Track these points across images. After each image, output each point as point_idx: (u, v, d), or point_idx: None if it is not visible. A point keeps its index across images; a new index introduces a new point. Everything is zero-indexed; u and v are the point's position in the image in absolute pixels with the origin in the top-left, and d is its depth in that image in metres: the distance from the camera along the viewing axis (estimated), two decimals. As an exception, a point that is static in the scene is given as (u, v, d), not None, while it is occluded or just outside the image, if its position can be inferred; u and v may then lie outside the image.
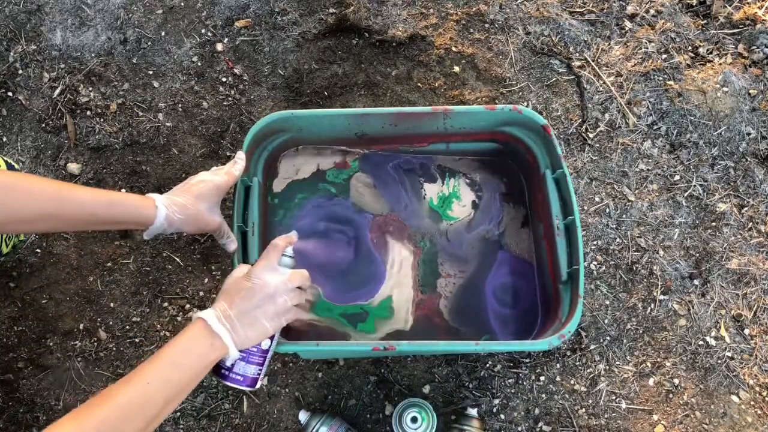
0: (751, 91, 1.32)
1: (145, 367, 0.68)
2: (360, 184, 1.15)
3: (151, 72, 1.31)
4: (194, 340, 0.72)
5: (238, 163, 0.93)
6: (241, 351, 0.77)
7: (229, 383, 0.78)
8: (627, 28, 1.38)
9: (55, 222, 0.75)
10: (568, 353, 1.15)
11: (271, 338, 0.81)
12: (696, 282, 1.20)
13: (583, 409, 1.12)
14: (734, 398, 1.13)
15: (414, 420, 1.03)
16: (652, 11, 1.39)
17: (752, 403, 1.13)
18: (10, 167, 0.95)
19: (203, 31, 1.34)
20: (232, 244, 0.93)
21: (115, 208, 0.78)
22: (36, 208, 0.72)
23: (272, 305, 0.78)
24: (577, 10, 1.39)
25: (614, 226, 1.23)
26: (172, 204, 0.82)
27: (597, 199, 1.25)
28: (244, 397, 1.12)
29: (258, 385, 0.80)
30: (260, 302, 0.77)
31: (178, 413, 1.10)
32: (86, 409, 0.63)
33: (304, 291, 0.84)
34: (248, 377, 0.79)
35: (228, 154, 1.26)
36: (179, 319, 1.15)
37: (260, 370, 0.80)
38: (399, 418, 1.04)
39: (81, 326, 1.14)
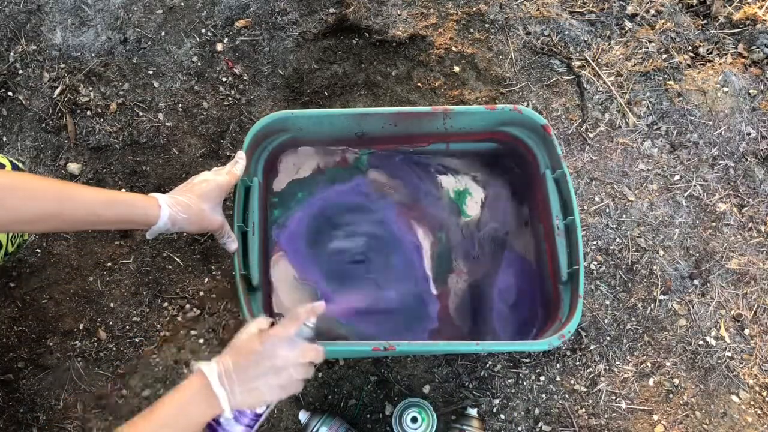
0: (751, 91, 1.32)
1: (138, 423, 0.66)
2: (377, 176, 1.15)
3: (151, 72, 1.30)
4: (192, 400, 0.70)
5: (239, 163, 0.93)
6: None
7: None
8: (627, 28, 1.38)
9: (58, 222, 0.75)
10: (568, 353, 1.15)
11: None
12: (696, 282, 1.20)
13: (583, 409, 1.12)
14: (734, 398, 1.13)
15: (414, 420, 1.03)
16: (652, 11, 1.39)
17: (752, 403, 1.13)
18: (15, 167, 0.95)
19: (203, 31, 1.34)
20: (232, 244, 0.94)
21: (118, 207, 0.78)
22: (38, 208, 0.72)
23: (276, 378, 0.73)
24: (577, 10, 1.39)
25: (614, 226, 1.23)
26: (176, 203, 0.82)
27: (597, 199, 1.25)
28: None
29: None
30: (265, 372, 0.72)
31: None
32: None
33: (313, 366, 0.78)
34: None
35: (228, 154, 1.26)
36: (179, 319, 1.15)
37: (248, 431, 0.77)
38: (399, 418, 1.04)
39: (81, 326, 1.14)
